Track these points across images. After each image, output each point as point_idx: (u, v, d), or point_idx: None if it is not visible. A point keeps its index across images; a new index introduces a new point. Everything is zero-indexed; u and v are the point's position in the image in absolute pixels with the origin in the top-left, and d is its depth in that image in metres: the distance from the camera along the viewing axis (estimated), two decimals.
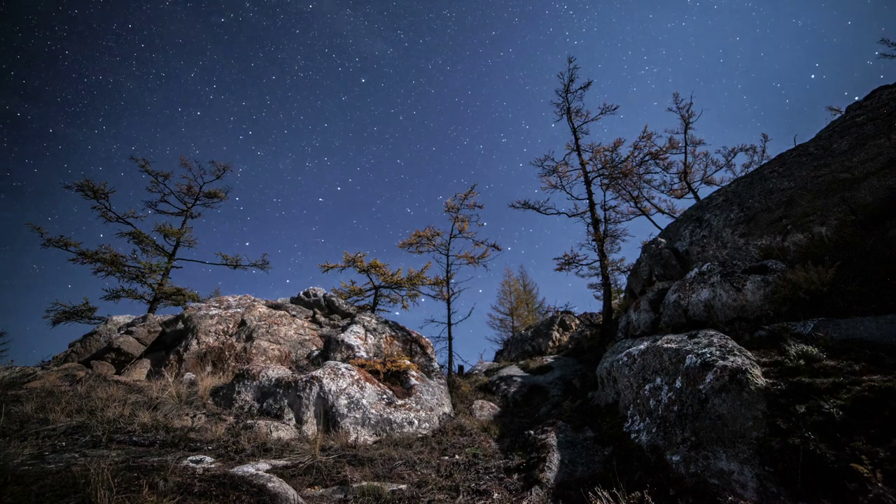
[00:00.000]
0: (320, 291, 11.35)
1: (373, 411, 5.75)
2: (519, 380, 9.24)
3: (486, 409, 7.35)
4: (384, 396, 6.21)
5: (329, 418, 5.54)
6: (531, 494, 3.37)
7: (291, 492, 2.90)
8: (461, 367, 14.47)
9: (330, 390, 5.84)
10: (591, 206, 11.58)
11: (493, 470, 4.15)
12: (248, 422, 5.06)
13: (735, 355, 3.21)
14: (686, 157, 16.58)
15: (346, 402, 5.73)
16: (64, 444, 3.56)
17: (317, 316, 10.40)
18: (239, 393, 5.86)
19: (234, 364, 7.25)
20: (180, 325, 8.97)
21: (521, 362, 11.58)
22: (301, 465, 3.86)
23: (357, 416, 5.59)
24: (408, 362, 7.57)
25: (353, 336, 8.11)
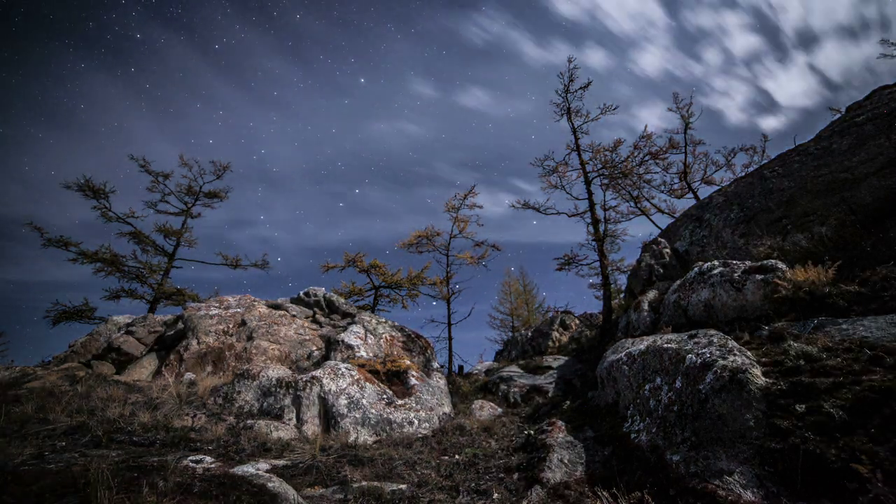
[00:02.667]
0: (320, 291, 11.35)
1: (373, 411, 5.75)
2: (519, 380, 9.24)
3: (486, 409, 7.35)
4: (384, 396, 6.21)
5: (329, 418, 5.55)
6: (531, 494, 3.37)
7: (291, 492, 2.90)
8: (461, 367, 14.48)
9: (330, 390, 5.83)
10: (591, 206, 11.58)
11: (493, 470, 4.15)
12: (249, 422, 5.06)
13: (735, 355, 3.21)
14: (686, 157, 16.60)
15: (346, 402, 5.73)
16: (64, 444, 3.56)
17: (317, 316, 10.40)
18: (239, 393, 5.86)
19: (234, 364, 7.25)
20: (180, 325, 8.97)
21: (521, 362, 11.58)
22: (301, 465, 3.86)
23: (357, 416, 5.59)
24: (408, 362, 7.57)
25: (353, 336, 8.11)
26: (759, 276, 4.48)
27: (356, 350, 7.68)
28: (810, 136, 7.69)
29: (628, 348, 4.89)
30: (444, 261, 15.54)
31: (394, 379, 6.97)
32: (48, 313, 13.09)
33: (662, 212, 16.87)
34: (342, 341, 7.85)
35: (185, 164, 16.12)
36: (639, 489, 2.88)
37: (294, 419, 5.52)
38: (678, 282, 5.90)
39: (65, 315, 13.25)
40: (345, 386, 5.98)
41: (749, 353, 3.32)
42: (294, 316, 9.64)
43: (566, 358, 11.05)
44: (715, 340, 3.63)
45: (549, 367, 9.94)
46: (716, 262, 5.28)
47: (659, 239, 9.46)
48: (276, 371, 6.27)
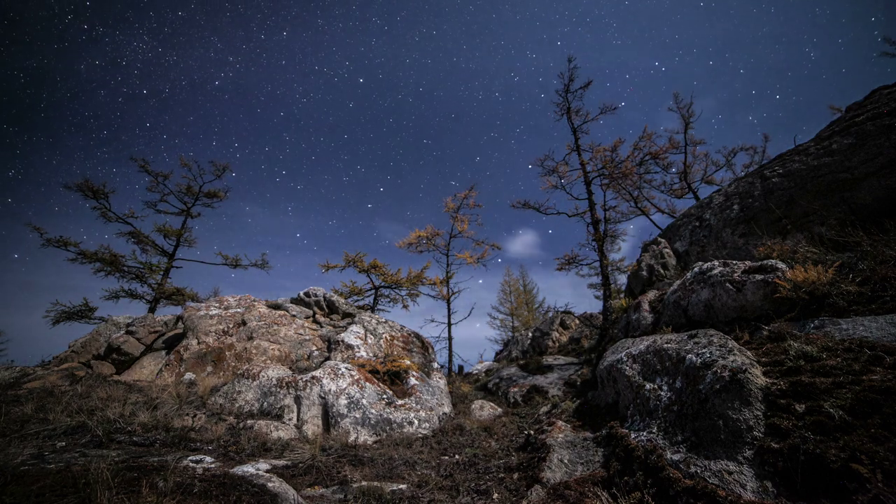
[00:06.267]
0: (320, 291, 11.34)
1: (373, 411, 5.75)
2: (519, 380, 9.24)
3: (486, 409, 7.34)
4: (384, 396, 6.21)
5: (329, 418, 5.55)
6: (531, 494, 3.37)
7: (291, 492, 2.90)
8: (461, 367, 14.49)
9: (330, 390, 5.83)
10: (591, 206, 11.58)
11: (493, 470, 4.15)
12: (248, 422, 5.06)
13: (735, 355, 3.21)
14: (686, 157, 16.61)
15: (346, 401, 5.73)
16: (64, 444, 3.56)
17: (317, 316, 10.40)
18: (239, 393, 5.86)
19: (234, 364, 7.25)
20: (180, 325, 8.97)
21: (521, 362, 11.57)
22: (301, 465, 3.86)
23: (357, 415, 5.59)
24: (408, 362, 7.57)
25: (353, 336, 8.11)
26: (759, 276, 4.48)
27: (356, 350, 7.68)
28: (810, 136, 7.69)
29: (628, 348, 4.89)
30: (444, 260, 15.55)
31: (394, 379, 6.97)
32: (48, 313, 13.09)
33: (662, 212, 16.88)
34: (342, 341, 7.85)
35: (185, 165, 16.13)
36: (639, 489, 2.88)
37: (294, 419, 5.52)
38: (678, 282, 5.90)
39: (65, 315, 13.26)
40: (345, 386, 5.98)
41: (749, 353, 3.32)
42: (294, 316, 9.64)
43: (566, 358, 11.06)
44: (715, 340, 3.63)
45: (549, 367, 9.94)
46: (716, 262, 5.28)
47: (659, 239, 9.45)
48: (276, 371, 6.27)
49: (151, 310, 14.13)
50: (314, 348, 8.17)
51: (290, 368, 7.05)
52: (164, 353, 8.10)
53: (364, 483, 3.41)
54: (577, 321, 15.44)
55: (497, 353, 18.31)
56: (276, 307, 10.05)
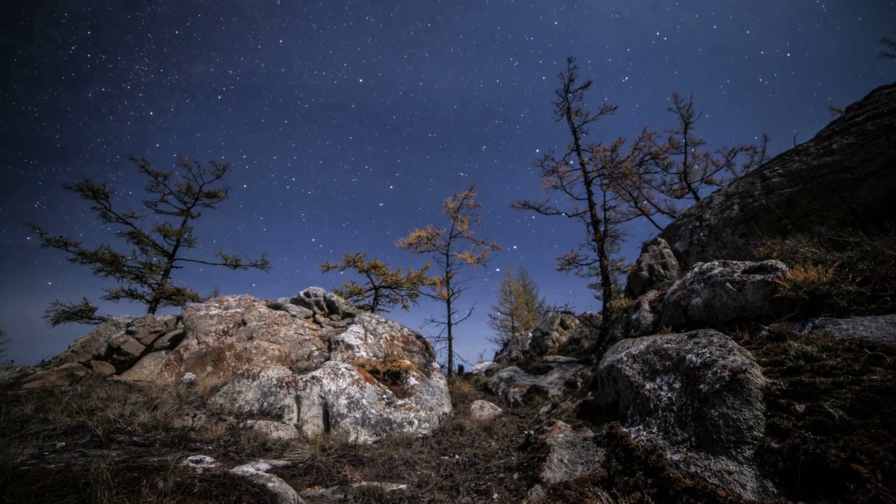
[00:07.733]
0: (320, 291, 11.34)
1: (373, 411, 5.75)
2: (519, 380, 9.24)
3: (485, 409, 7.34)
4: (384, 396, 6.21)
5: (329, 418, 5.55)
6: (531, 494, 3.37)
7: (291, 492, 2.91)
8: (461, 367, 14.51)
9: (330, 390, 5.83)
10: (591, 206, 11.57)
11: (493, 470, 4.15)
12: (249, 422, 5.06)
13: (735, 355, 3.21)
14: (686, 157, 16.62)
15: (346, 401, 5.73)
16: (64, 444, 3.56)
17: (317, 316, 10.39)
18: (239, 393, 5.86)
19: (234, 364, 7.25)
20: (181, 326, 8.98)
21: (521, 362, 11.58)
22: (301, 465, 3.86)
23: (357, 415, 5.59)
24: (408, 362, 7.57)
25: (353, 336, 8.11)
26: (759, 276, 4.48)
27: (356, 350, 7.68)
28: (810, 136, 7.69)
29: (628, 348, 4.89)
30: (444, 261, 15.55)
31: (394, 379, 6.97)
32: (48, 313, 13.09)
33: (662, 212, 16.90)
34: (342, 341, 7.85)
35: (185, 165, 16.13)
36: (639, 489, 2.88)
37: (294, 419, 5.52)
38: (678, 282, 5.90)
39: (65, 315, 13.26)
40: (345, 386, 5.98)
41: (749, 353, 3.32)
42: (294, 316, 9.64)
43: (566, 358, 11.05)
44: (715, 340, 3.63)
45: (550, 367, 9.94)
46: (716, 262, 5.28)
47: (659, 239, 9.45)
48: (276, 371, 6.27)
49: (151, 310, 14.13)
50: (314, 348, 8.16)
51: (290, 368, 7.05)
52: (164, 353, 8.10)
53: (364, 483, 3.41)
54: (577, 321, 15.44)
55: (497, 353, 18.31)
56: (276, 307, 10.05)
